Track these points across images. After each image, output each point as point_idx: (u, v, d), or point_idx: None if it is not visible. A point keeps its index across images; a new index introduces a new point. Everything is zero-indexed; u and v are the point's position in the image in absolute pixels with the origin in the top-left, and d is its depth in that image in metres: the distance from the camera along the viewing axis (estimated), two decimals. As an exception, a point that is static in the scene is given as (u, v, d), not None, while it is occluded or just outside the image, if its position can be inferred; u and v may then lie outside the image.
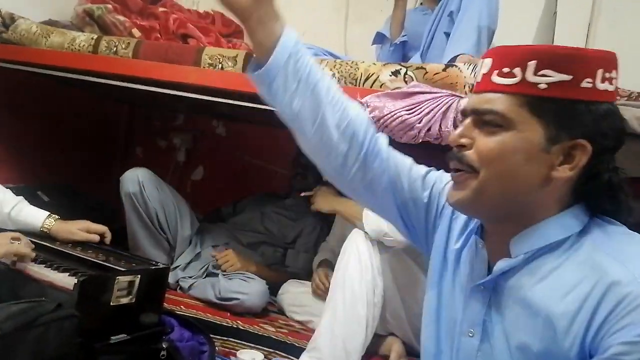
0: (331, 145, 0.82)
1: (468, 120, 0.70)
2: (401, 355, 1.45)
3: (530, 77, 0.64)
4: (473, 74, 1.34)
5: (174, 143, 2.61)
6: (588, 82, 0.64)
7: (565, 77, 0.63)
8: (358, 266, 1.38)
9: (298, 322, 1.67)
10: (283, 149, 2.20)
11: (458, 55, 1.58)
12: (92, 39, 1.72)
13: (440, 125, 1.32)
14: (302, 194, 1.78)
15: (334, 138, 0.81)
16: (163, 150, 2.66)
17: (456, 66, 1.36)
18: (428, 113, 1.32)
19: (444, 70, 1.35)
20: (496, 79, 0.67)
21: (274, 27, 0.75)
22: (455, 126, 1.32)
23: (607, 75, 0.65)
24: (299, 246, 1.99)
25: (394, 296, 1.44)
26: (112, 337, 1.11)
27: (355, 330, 1.34)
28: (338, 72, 1.45)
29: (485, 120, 0.67)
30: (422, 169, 0.88)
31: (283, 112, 0.82)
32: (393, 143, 0.90)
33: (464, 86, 1.33)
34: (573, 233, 0.66)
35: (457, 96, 1.31)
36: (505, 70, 0.66)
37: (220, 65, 1.55)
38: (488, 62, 0.69)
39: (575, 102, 0.64)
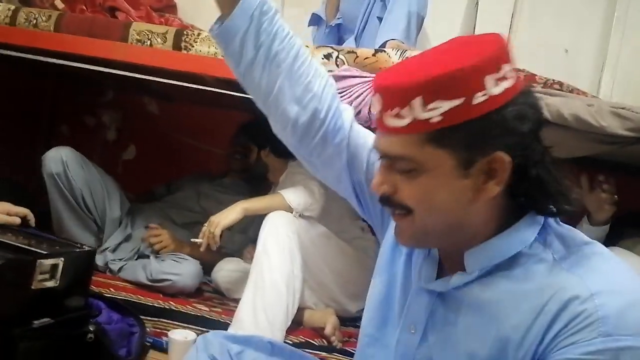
0: (288, 119, 0.79)
1: (383, 164, 0.67)
2: (336, 327, 1.50)
3: (420, 114, 0.59)
4: (401, 59, 1.39)
5: (102, 121, 2.51)
6: (482, 96, 0.58)
7: (456, 102, 0.58)
8: (276, 240, 1.44)
9: (235, 300, 1.68)
10: (219, 128, 2.18)
11: (388, 41, 1.62)
12: (9, 9, 1.62)
13: (369, 109, 1.36)
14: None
15: (292, 113, 0.78)
16: (91, 128, 2.55)
17: (385, 51, 1.40)
18: (358, 97, 1.36)
19: (373, 55, 1.40)
20: (390, 121, 0.62)
21: None
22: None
23: (498, 75, 0.59)
24: (235, 226, 1.99)
25: (320, 268, 1.50)
26: (34, 322, 1.08)
27: (275, 300, 1.39)
28: (271, 53, 1.46)
29: (397, 166, 0.64)
30: None
31: (238, 79, 0.79)
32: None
33: (392, 71, 1.37)
34: (527, 244, 0.64)
35: (386, 81, 1.36)
36: (395, 111, 0.61)
37: (149, 42, 1.50)
38: (377, 100, 0.64)
39: (476, 121, 0.59)
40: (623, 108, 1.20)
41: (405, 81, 0.61)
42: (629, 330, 0.55)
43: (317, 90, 0.79)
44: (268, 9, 0.75)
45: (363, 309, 0.84)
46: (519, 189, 0.64)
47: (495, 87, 0.59)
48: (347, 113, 0.84)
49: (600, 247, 0.65)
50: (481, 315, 0.64)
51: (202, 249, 1.58)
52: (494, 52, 0.60)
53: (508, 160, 0.61)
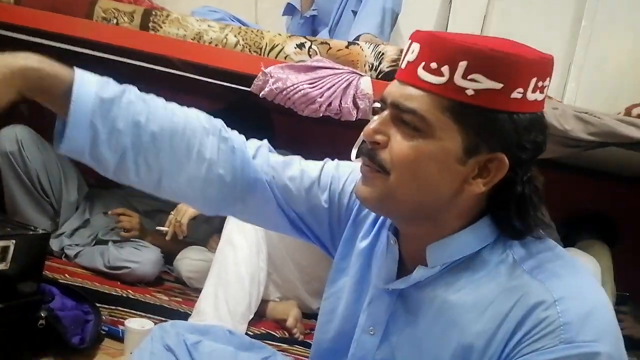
0: (197, 199, 0.72)
1: (386, 114, 0.62)
2: (298, 319, 1.50)
3: (459, 80, 0.57)
4: (374, 53, 1.38)
5: (64, 101, 2.41)
6: (519, 93, 0.58)
7: (496, 85, 0.57)
8: (242, 231, 1.41)
9: (196, 289, 1.65)
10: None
11: (362, 35, 1.62)
12: (-35, -23, 1.52)
13: (340, 101, 1.36)
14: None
15: (197, 192, 0.71)
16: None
17: (358, 44, 1.40)
18: (329, 88, 1.35)
19: (346, 47, 1.39)
20: (422, 73, 0.59)
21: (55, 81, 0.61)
22: (354, 103, 1.37)
23: (540, 84, 0.59)
24: (200, 216, 1.96)
25: (285, 263, 1.49)
26: (-19, 306, 1.04)
27: (239, 293, 1.37)
28: (243, 40, 1.43)
29: (404, 119, 0.60)
30: (314, 170, 0.79)
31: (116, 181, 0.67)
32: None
33: (364, 64, 1.37)
34: (489, 243, 0.63)
35: (358, 74, 1.36)
36: (434, 65, 0.58)
37: (115, 20, 1.45)
38: (415, 48, 0.60)
39: (500, 112, 0.58)
40: (586, 113, 1.24)
41: (459, 40, 0.58)
42: (589, 337, 0.56)
43: (212, 155, 0.69)
44: (109, 103, 0.63)
45: None
46: (499, 200, 0.63)
47: (532, 92, 0.59)
48: (260, 159, 0.77)
49: (560, 250, 0.64)
50: (443, 319, 0.63)
51: (167, 238, 1.54)
52: (547, 61, 0.60)
53: (507, 164, 0.59)
